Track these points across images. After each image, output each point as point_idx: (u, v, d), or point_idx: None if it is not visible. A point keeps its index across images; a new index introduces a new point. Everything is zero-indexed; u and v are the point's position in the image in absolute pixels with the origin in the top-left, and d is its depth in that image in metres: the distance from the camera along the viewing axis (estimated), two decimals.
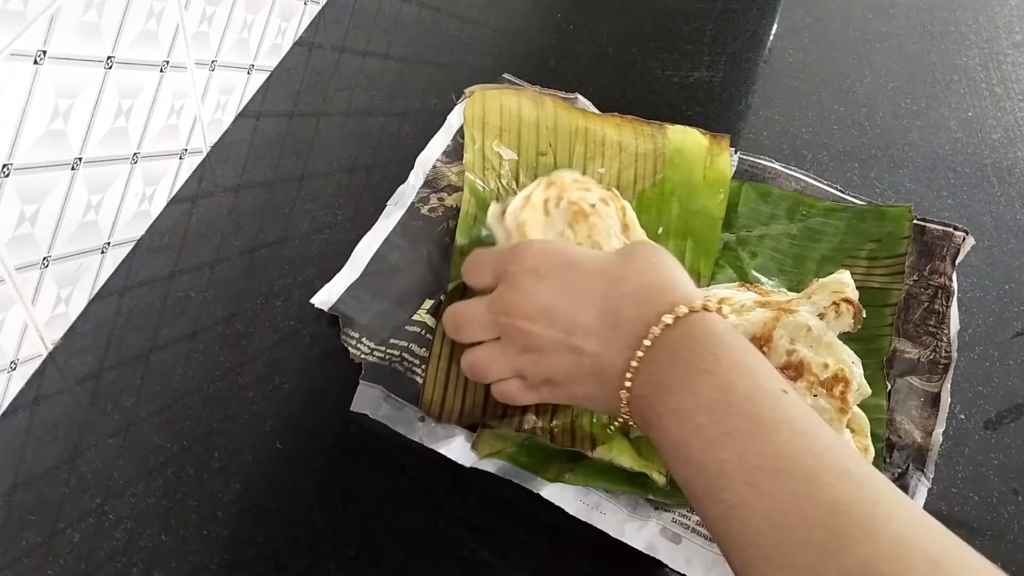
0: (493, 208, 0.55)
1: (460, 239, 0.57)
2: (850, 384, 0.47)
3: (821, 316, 0.49)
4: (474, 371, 0.48)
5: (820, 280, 0.51)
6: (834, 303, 0.49)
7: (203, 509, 0.47)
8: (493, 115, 0.63)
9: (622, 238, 0.53)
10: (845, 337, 0.50)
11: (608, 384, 0.43)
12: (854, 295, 0.50)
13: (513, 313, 0.45)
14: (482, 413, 0.50)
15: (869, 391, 0.48)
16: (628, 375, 0.42)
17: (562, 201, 0.53)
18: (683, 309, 0.41)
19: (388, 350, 0.53)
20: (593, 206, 0.52)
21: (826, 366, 0.48)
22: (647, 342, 0.41)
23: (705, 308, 0.42)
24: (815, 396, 0.47)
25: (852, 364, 0.48)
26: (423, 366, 0.52)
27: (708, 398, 0.38)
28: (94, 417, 0.50)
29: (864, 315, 0.50)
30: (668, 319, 0.41)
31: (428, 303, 0.55)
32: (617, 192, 0.55)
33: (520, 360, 0.46)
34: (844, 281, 0.50)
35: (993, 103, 0.72)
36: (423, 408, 0.50)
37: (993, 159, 0.68)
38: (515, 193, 0.59)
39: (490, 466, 0.48)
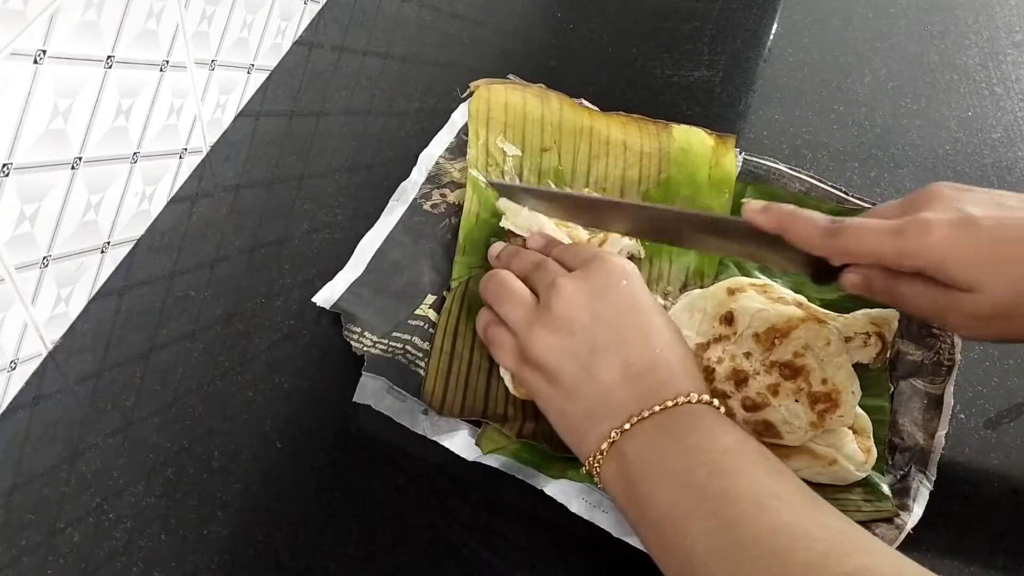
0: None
1: (463, 237, 0.58)
2: (837, 409, 0.47)
3: (848, 339, 0.49)
4: (494, 294, 0.49)
5: (867, 309, 0.51)
6: (867, 333, 0.49)
7: (203, 509, 0.47)
8: (498, 111, 0.63)
9: None
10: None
11: (593, 422, 0.43)
12: (891, 336, 0.49)
13: (569, 290, 0.46)
14: (483, 409, 0.50)
15: (850, 423, 0.48)
16: (627, 424, 0.42)
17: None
18: (694, 396, 0.43)
19: (391, 343, 0.53)
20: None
21: (824, 382, 0.47)
22: (657, 407, 0.42)
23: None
24: (796, 401, 0.47)
25: (852, 394, 0.48)
26: (426, 359, 0.52)
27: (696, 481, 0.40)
28: (94, 417, 0.50)
29: (887, 357, 0.49)
30: (681, 399, 0.43)
31: (431, 299, 0.55)
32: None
33: (536, 327, 0.46)
34: (889, 319, 0.50)
35: (993, 103, 0.72)
36: (425, 399, 0.50)
37: (993, 159, 0.68)
38: None
39: (493, 461, 0.48)
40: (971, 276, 0.42)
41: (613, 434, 0.42)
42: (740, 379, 0.48)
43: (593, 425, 0.44)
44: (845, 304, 0.53)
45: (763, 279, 0.54)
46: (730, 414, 0.47)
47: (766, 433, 0.47)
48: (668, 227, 0.50)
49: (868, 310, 0.51)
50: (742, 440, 0.42)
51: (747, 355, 0.48)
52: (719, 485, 0.39)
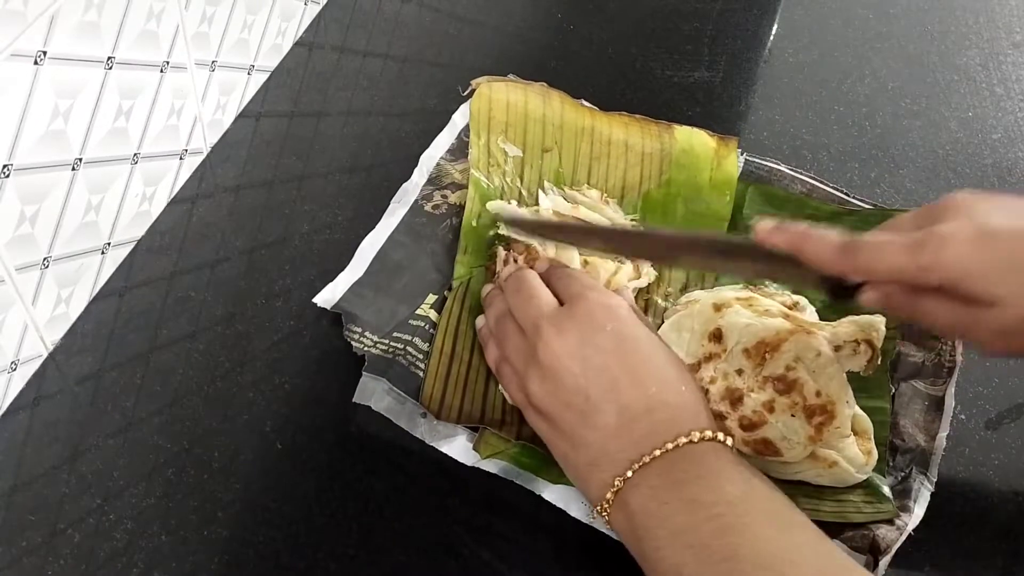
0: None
1: (464, 237, 0.57)
2: (832, 420, 0.47)
3: (838, 348, 0.48)
4: (495, 333, 0.49)
5: (853, 316, 0.50)
6: (856, 340, 0.48)
7: (203, 509, 0.47)
8: (499, 110, 0.63)
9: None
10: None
11: (596, 470, 0.43)
12: (879, 342, 0.48)
13: (551, 338, 0.45)
14: (480, 415, 0.50)
15: (849, 433, 0.48)
16: (629, 472, 0.41)
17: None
18: (695, 435, 0.42)
19: (391, 343, 0.53)
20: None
21: (818, 394, 0.47)
22: (657, 451, 0.41)
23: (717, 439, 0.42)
24: (792, 416, 0.47)
25: (846, 404, 0.47)
26: (426, 361, 0.52)
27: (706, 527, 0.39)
28: (94, 417, 0.50)
29: (878, 363, 0.49)
30: (683, 440, 0.41)
31: (432, 298, 0.55)
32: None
33: (531, 372, 0.45)
34: (876, 325, 0.49)
35: (993, 103, 0.72)
36: (423, 402, 0.50)
37: (993, 159, 0.68)
38: (517, 190, 0.60)
39: (492, 466, 0.48)
40: (993, 290, 0.39)
41: (616, 483, 0.41)
42: (735, 398, 0.47)
43: (596, 473, 0.43)
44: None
45: (747, 292, 0.54)
46: (727, 435, 0.45)
47: (766, 451, 0.47)
48: (678, 251, 0.49)
49: (855, 317, 0.50)
50: (748, 487, 0.40)
51: (739, 372, 0.48)
52: (725, 544, 0.38)
